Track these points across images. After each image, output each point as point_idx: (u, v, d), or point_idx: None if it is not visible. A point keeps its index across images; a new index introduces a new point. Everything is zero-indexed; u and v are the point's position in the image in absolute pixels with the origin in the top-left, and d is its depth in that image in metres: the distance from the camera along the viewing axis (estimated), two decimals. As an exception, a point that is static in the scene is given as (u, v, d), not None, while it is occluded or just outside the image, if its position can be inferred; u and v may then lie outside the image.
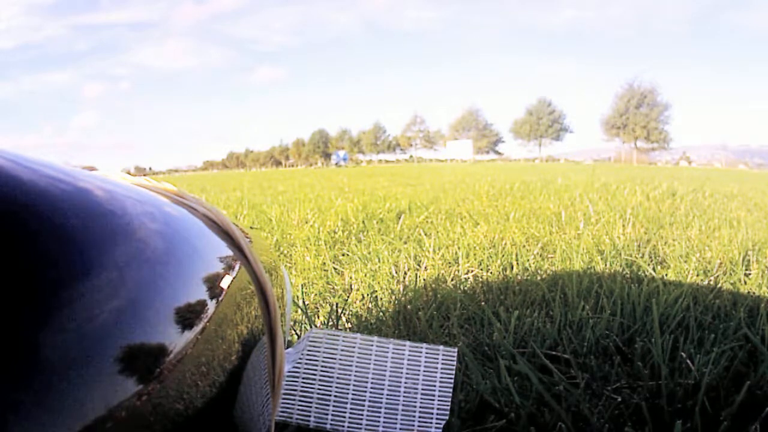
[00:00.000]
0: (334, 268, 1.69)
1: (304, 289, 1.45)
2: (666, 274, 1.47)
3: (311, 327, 1.09)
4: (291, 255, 1.99)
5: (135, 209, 0.25)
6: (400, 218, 2.74)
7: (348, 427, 0.32)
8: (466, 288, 1.40)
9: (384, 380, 0.33)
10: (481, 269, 1.59)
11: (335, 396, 0.32)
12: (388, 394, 0.32)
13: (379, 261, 1.70)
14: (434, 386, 0.33)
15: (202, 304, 0.26)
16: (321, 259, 1.83)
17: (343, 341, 0.33)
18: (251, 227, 2.50)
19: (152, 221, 0.26)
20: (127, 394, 0.19)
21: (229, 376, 0.28)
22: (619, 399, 0.73)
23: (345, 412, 0.32)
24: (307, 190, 6.09)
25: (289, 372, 0.32)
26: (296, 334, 1.05)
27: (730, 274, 1.47)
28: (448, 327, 1.07)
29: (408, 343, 0.33)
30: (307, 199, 4.32)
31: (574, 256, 1.67)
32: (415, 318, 1.11)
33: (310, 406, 0.32)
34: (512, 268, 1.60)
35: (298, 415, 0.32)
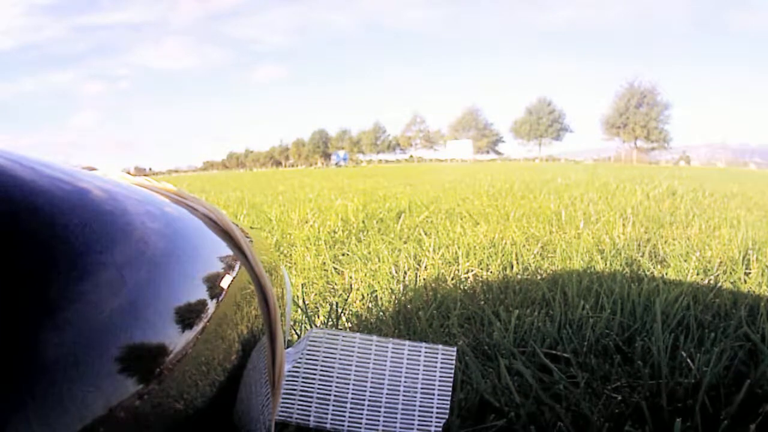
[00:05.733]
0: (334, 268, 1.69)
1: (304, 289, 1.45)
2: (666, 273, 1.47)
3: (311, 327, 1.09)
4: (291, 255, 1.99)
5: (135, 209, 0.25)
6: (400, 218, 2.74)
7: (348, 426, 0.32)
8: (466, 287, 1.40)
9: (384, 379, 0.33)
10: (481, 269, 1.59)
11: (335, 395, 0.32)
12: (387, 394, 0.32)
13: (379, 260, 1.71)
14: (433, 385, 0.33)
15: (202, 304, 0.26)
16: (321, 258, 1.83)
17: (343, 341, 0.33)
18: (251, 227, 2.50)
19: (152, 221, 0.26)
20: (127, 393, 0.19)
21: (229, 376, 0.28)
22: (619, 398, 0.73)
23: (345, 412, 0.32)
24: (307, 190, 6.09)
25: (289, 372, 0.32)
26: (296, 333, 1.05)
27: (730, 273, 1.47)
28: (448, 326, 1.07)
29: (407, 342, 0.33)
30: (307, 199, 4.33)
31: (574, 256, 1.67)
32: (415, 317, 1.11)
33: (310, 406, 0.32)
34: (512, 267, 1.61)
35: (298, 414, 0.32)
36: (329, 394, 0.32)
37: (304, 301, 1.30)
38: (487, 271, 1.58)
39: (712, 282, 1.35)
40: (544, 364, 0.83)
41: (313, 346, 0.33)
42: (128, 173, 0.33)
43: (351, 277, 1.56)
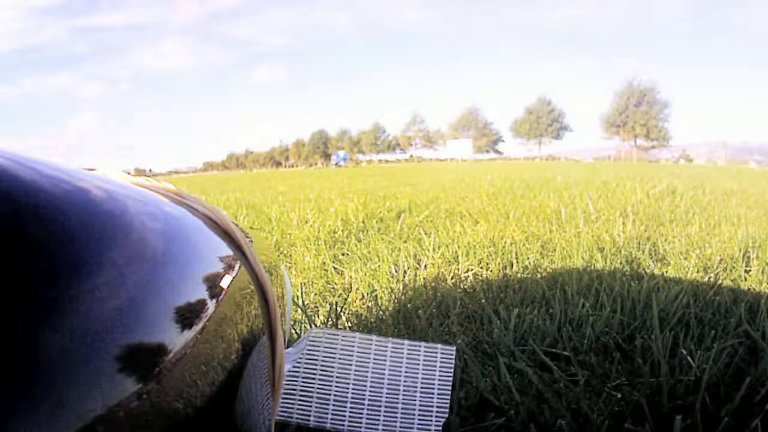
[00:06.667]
0: (334, 268, 1.69)
1: (304, 289, 1.45)
2: (666, 271, 1.47)
3: (311, 326, 1.09)
4: (291, 255, 1.99)
5: (135, 209, 0.25)
6: (399, 217, 2.74)
7: (348, 426, 0.32)
8: (465, 286, 1.40)
9: (383, 379, 0.33)
10: (481, 267, 1.59)
11: (335, 395, 0.32)
12: (387, 393, 0.32)
13: (378, 260, 1.71)
14: (433, 384, 0.33)
15: (202, 304, 0.26)
16: (321, 258, 1.83)
17: (343, 340, 0.33)
18: (251, 227, 2.50)
19: (153, 221, 0.26)
20: (126, 393, 0.19)
21: (229, 376, 0.28)
22: (619, 396, 0.73)
23: (345, 411, 0.32)
24: (307, 190, 6.09)
25: (289, 371, 0.33)
26: (296, 333, 1.05)
27: (731, 270, 1.47)
28: (448, 325, 1.07)
29: (406, 341, 0.33)
30: (307, 200, 4.33)
31: (574, 254, 1.67)
32: (414, 317, 1.11)
33: (310, 406, 0.32)
34: (512, 266, 1.61)
35: (298, 414, 0.32)
36: (329, 394, 0.32)
37: (303, 301, 1.30)
38: (487, 269, 1.58)
39: (712, 280, 1.35)
40: (544, 362, 0.83)
41: (313, 346, 0.33)
42: (128, 173, 0.33)
43: (351, 277, 1.56)
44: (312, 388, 0.32)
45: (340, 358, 0.33)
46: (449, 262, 1.68)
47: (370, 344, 0.33)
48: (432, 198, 3.91)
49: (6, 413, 0.15)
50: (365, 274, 1.55)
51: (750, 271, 1.47)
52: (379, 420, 0.32)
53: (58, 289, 0.18)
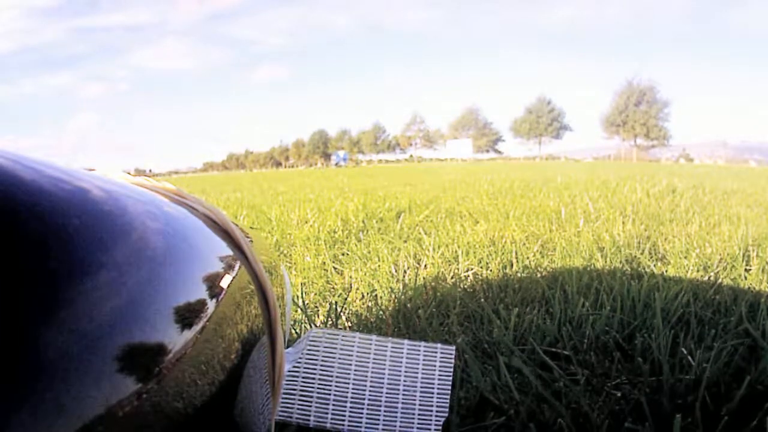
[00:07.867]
0: (334, 268, 1.69)
1: (303, 289, 1.45)
2: (666, 271, 1.47)
3: (311, 326, 1.09)
4: (291, 255, 1.99)
5: (135, 209, 0.25)
6: (399, 217, 2.74)
7: (348, 425, 0.32)
8: (465, 286, 1.40)
9: (383, 379, 0.33)
10: (481, 267, 1.59)
11: (335, 395, 0.32)
12: (387, 393, 0.32)
13: (378, 260, 1.71)
14: (433, 384, 0.33)
15: (202, 304, 0.26)
16: (321, 258, 1.83)
17: (343, 340, 0.33)
18: (251, 227, 2.50)
19: (152, 221, 0.26)
20: (126, 393, 0.19)
21: (229, 376, 0.28)
22: (620, 395, 0.73)
23: (345, 411, 0.32)
24: (307, 190, 6.09)
25: (289, 371, 0.33)
26: (296, 333, 1.05)
27: (731, 269, 1.47)
28: (448, 325, 1.07)
29: (406, 341, 0.33)
30: (307, 200, 4.32)
31: (574, 254, 1.67)
32: (414, 316, 1.11)
33: (310, 405, 0.32)
34: (512, 265, 1.61)
35: (298, 414, 0.32)
36: (329, 394, 0.32)
37: (303, 301, 1.30)
38: (487, 269, 1.58)
39: (712, 279, 1.35)
40: (544, 361, 0.83)
41: (313, 345, 0.33)
42: (128, 173, 0.33)
43: (351, 277, 1.56)
44: (312, 388, 0.32)
45: (340, 358, 0.33)
46: (449, 261, 1.68)
47: (370, 344, 0.33)
48: (432, 198, 3.91)
49: (6, 413, 0.15)
50: (365, 274, 1.55)
51: (750, 270, 1.48)
52: (379, 420, 0.32)
53: (58, 290, 0.18)
